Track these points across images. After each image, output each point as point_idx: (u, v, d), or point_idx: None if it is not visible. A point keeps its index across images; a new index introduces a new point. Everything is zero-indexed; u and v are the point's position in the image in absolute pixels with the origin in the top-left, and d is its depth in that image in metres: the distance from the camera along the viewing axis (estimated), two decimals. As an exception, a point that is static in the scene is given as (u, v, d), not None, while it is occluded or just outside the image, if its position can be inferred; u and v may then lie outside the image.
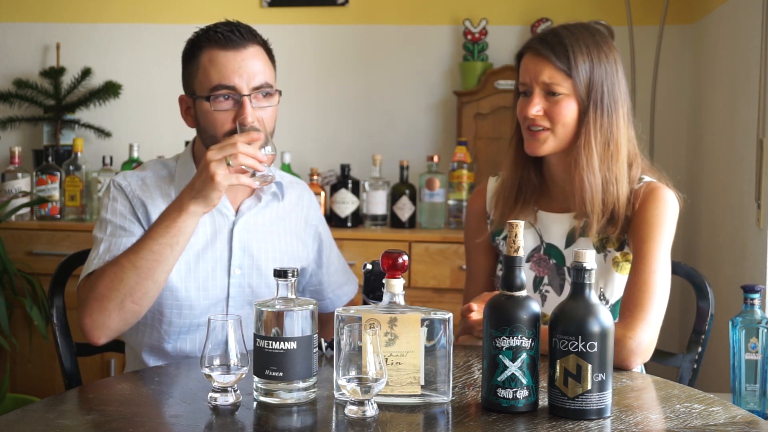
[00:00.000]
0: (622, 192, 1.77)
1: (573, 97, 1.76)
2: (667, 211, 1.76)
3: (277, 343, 1.38)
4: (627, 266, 1.80)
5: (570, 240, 1.83)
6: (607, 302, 1.82)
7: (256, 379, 1.41)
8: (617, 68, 1.80)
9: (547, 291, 1.85)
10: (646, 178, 1.82)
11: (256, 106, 1.79)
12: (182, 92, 1.89)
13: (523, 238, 1.85)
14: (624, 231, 1.80)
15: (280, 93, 1.85)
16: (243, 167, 1.69)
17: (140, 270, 1.69)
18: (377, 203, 3.28)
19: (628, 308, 1.69)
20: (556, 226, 1.85)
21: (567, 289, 1.82)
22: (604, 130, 1.77)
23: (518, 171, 1.87)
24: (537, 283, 1.86)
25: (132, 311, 1.71)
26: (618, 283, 1.82)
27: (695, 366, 1.96)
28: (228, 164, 1.67)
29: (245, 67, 1.78)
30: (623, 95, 1.80)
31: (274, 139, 1.85)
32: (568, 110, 1.76)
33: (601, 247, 1.81)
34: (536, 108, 1.76)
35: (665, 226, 1.75)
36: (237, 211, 1.89)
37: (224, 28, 1.81)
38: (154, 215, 1.81)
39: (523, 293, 1.36)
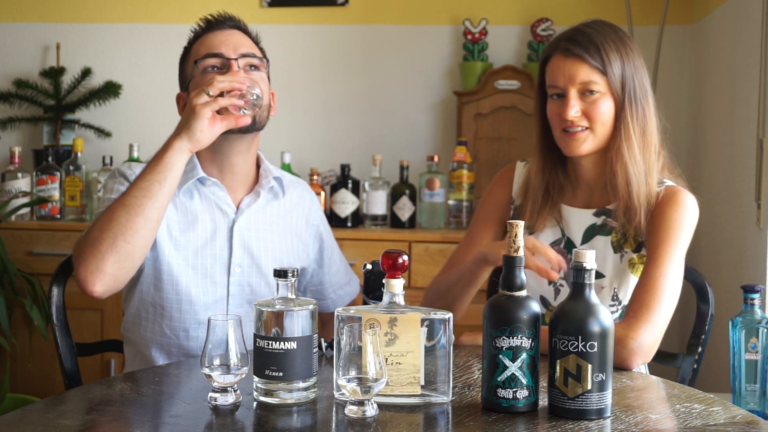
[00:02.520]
0: (653, 182, 1.79)
1: (609, 95, 1.77)
2: (686, 216, 1.76)
3: (277, 343, 1.38)
4: (642, 269, 1.80)
5: (587, 237, 1.83)
6: (620, 303, 1.81)
7: (256, 379, 1.41)
8: (641, 62, 1.82)
9: (561, 285, 1.84)
10: (667, 182, 1.82)
11: (245, 71, 1.83)
12: (178, 92, 1.91)
13: (545, 231, 1.86)
14: (634, 239, 1.79)
15: (268, 61, 1.90)
16: (222, 92, 1.71)
17: (129, 207, 1.68)
18: (377, 203, 3.28)
19: (633, 308, 1.68)
20: (576, 222, 1.85)
21: None
22: (640, 122, 1.79)
23: (546, 174, 1.87)
24: None
25: (125, 251, 1.67)
26: (633, 285, 1.81)
27: (695, 366, 1.96)
28: (208, 94, 1.70)
29: (231, 40, 1.86)
30: (649, 86, 1.82)
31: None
32: (606, 108, 1.77)
33: (618, 248, 1.81)
34: (575, 109, 1.76)
35: (683, 231, 1.75)
36: (237, 208, 1.89)
37: (213, 18, 1.90)
38: None
39: (523, 293, 1.36)
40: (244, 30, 1.91)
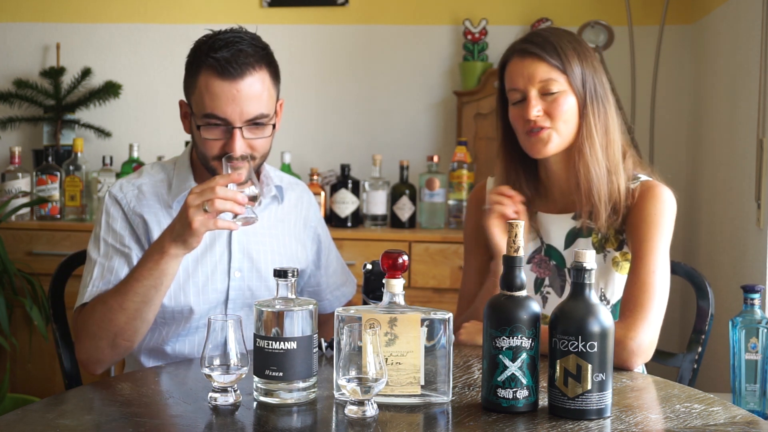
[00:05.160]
0: (621, 182, 1.78)
1: (570, 92, 1.76)
2: (665, 209, 1.76)
3: (277, 343, 1.38)
4: (627, 266, 1.80)
5: (569, 241, 1.83)
6: (607, 303, 1.81)
7: (256, 379, 1.41)
8: (599, 64, 1.81)
9: (548, 292, 1.84)
10: (642, 177, 1.81)
11: (248, 137, 1.75)
12: (182, 94, 1.88)
13: (524, 240, 1.86)
14: (622, 230, 1.79)
15: (274, 126, 1.80)
16: (220, 211, 1.62)
17: (128, 311, 1.69)
18: (377, 203, 3.28)
19: (628, 308, 1.69)
20: (556, 228, 1.84)
21: (568, 290, 1.82)
22: (602, 121, 1.78)
23: (508, 174, 1.86)
24: (538, 285, 1.85)
25: (124, 347, 1.74)
26: (618, 283, 1.81)
27: (695, 366, 1.96)
28: (205, 210, 1.60)
29: (240, 99, 1.72)
30: (609, 87, 1.82)
31: (274, 138, 1.84)
32: (568, 105, 1.75)
33: (600, 248, 1.81)
34: (537, 109, 1.74)
35: (664, 225, 1.75)
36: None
37: (225, 53, 1.71)
38: (154, 229, 1.81)
39: (523, 293, 1.36)
40: (256, 66, 1.74)
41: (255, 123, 1.75)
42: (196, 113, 1.77)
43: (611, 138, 1.78)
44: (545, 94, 1.75)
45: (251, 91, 1.73)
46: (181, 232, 1.64)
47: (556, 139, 1.76)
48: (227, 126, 1.74)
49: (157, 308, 1.72)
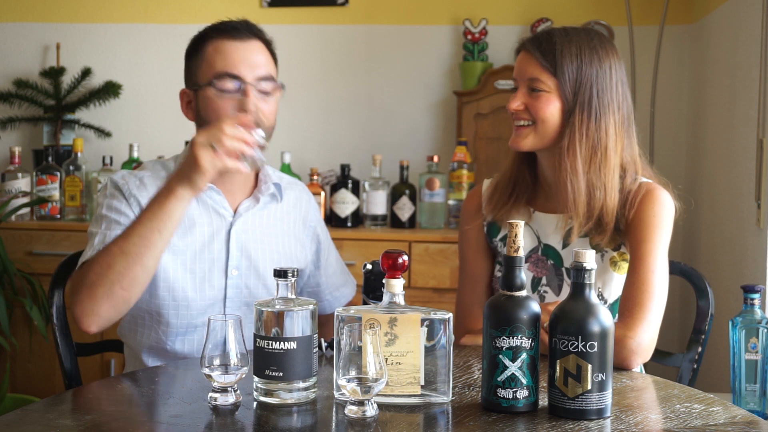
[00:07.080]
0: (610, 200, 1.76)
1: (556, 95, 1.76)
2: (663, 212, 1.76)
3: (277, 343, 1.38)
4: (624, 266, 1.80)
5: (566, 240, 1.83)
6: (605, 302, 1.81)
7: (256, 379, 1.41)
8: (611, 74, 1.78)
9: (545, 292, 1.84)
10: (642, 179, 1.81)
11: (258, 96, 1.81)
12: (183, 88, 1.89)
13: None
14: (613, 239, 1.79)
15: (282, 87, 1.87)
16: (229, 150, 1.66)
17: (128, 255, 1.66)
18: (377, 203, 3.28)
19: (627, 308, 1.69)
20: (552, 227, 1.84)
21: (565, 289, 1.82)
22: (591, 134, 1.76)
23: (516, 166, 1.89)
24: (535, 284, 1.85)
25: (121, 298, 1.68)
26: (616, 283, 1.81)
27: (695, 366, 1.96)
28: (213, 148, 1.64)
29: (250, 58, 1.82)
30: (617, 102, 1.78)
31: (273, 138, 1.84)
32: (549, 107, 1.76)
33: (597, 247, 1.81)
34: (517, 103, 1.79)
35: (662, 227, 1.75)
36: (235, 212, 1.89)
37: (231, 23, 1.85)
38: None
39: (523, 293, 1.36)
40: (261, 38, 1.87)
41: (264, 88, 1.82)
42: (204, 79, 1.82)
43: (602, 155, 1.76)
44: (532, 90, 1.78)
45: (259, 53, 1.85)
46: (188, 171, 1.66)
47: (533, 138, 1.79)
48: (239, 83, 1.80)
49: (158, 257, 1.69)
